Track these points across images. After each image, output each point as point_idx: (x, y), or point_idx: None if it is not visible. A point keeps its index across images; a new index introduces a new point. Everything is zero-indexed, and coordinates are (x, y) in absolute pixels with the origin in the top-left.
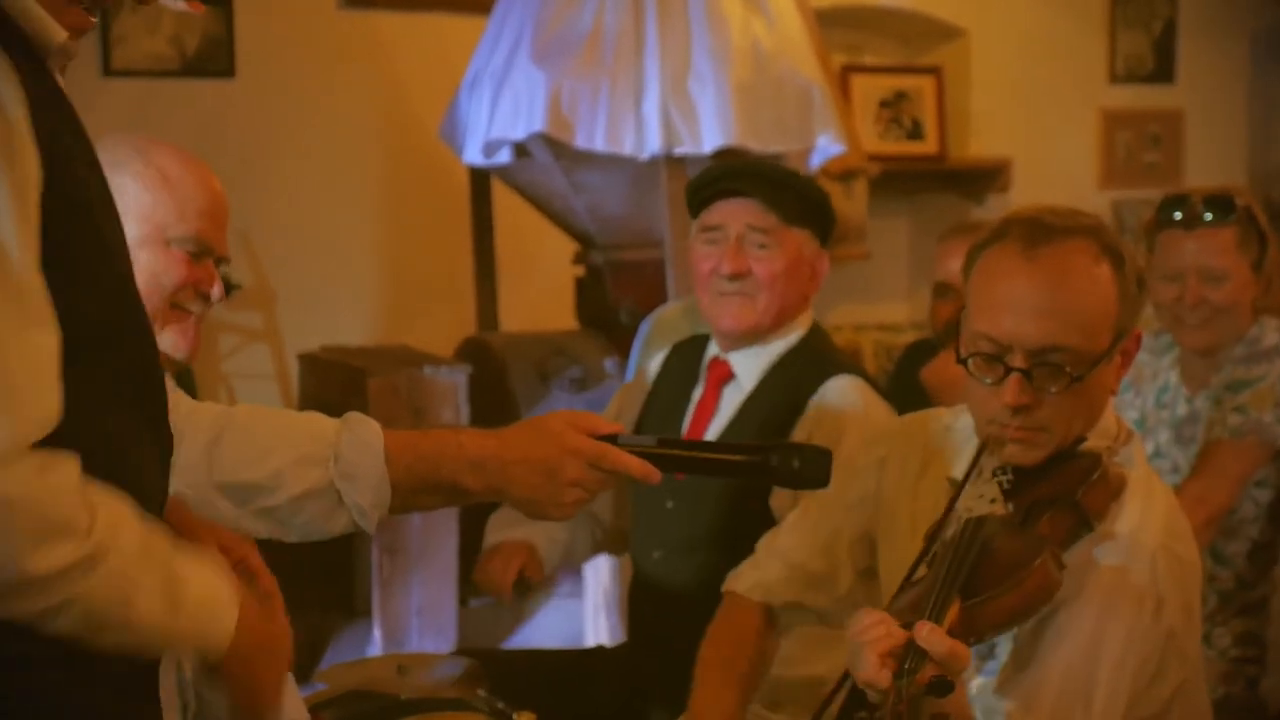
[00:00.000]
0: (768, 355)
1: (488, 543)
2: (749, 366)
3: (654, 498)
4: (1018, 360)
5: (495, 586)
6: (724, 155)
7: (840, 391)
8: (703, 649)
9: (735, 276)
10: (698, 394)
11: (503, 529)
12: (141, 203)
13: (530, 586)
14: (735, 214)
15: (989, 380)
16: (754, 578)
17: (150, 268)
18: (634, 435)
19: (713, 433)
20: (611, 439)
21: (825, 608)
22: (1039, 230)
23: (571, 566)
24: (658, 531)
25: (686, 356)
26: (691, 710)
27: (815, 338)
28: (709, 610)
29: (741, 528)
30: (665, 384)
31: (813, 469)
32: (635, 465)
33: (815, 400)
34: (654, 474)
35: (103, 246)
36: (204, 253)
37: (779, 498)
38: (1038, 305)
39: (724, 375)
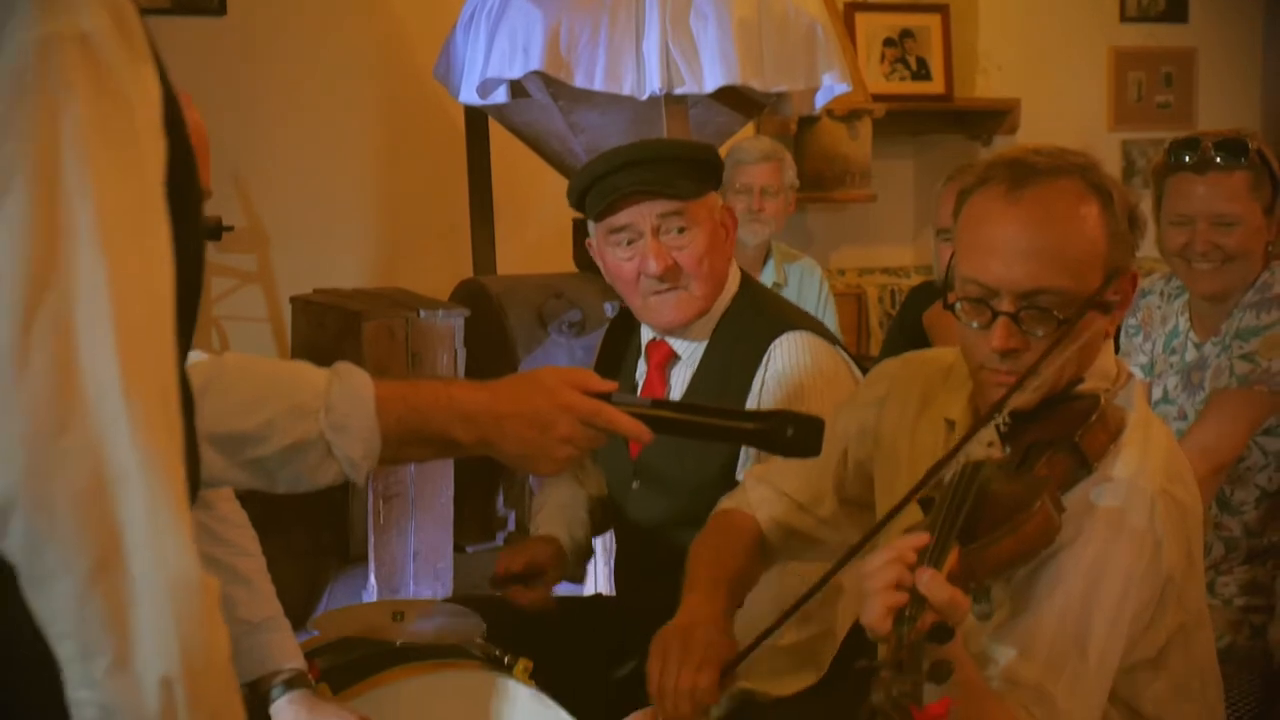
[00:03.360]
0: (705, 326)
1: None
2: (689, 343)
3: (621, 479)
4: (1005, 304)
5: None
6: (724, 95)
7: (786, 353)
8: (692, 553)
9: (664, 275)
10: (641, 373)
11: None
12: None
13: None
14: (642, 211)
15: (976, 324)
16: (741, 498)
17: None
18: (628, 394)
19: None
20: (605, 397)
21: (809, 529)
22: (1023, 171)
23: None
24: (628, 512)
25: (624, 331)
26: (683, 610)
27: (747, 293)
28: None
29: (704, 508)
30: (609, 356)
31: (805, 438)
32: (628, 424)
33: (763, 368)
34: (646, 434)
35: (198, 196)
36: None
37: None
38: (1023, 248)
39: (666, 357)
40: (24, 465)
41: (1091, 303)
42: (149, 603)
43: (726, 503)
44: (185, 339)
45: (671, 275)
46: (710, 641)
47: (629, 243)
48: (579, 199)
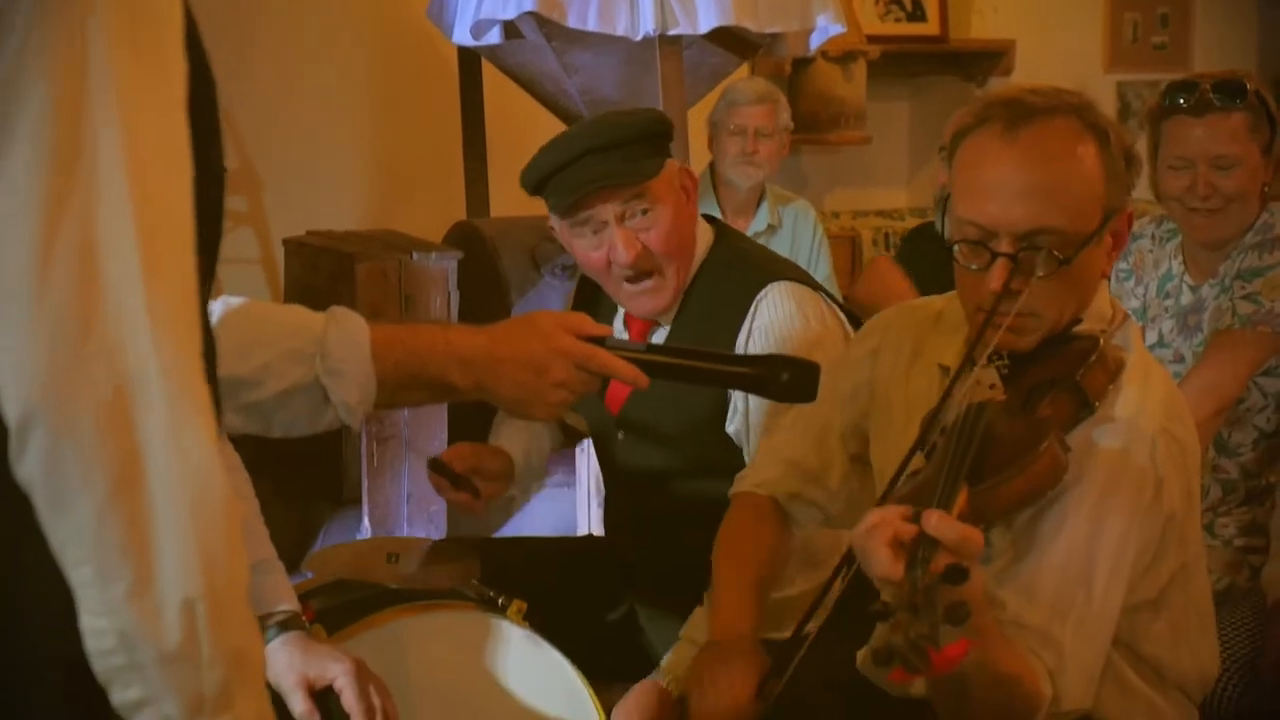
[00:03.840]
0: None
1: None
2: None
3: (606, 430)
4: (1003, 245)
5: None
6: (719, 36)
7: (772, 305)
8: (718, 549)
9: (635, 262)
10: (619, 325)
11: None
12: None
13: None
14: (606, 202)
15: (975, 266)
16: (755, 477)
17: None
18: (622, 339)
19: None
20: (600, 341)
21: (823, 501)
22: (1020, 111)
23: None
24: (616, 461)
25: (599, 291)
26: (714, 626)
27: (722, 247)
28: (674, 519)
29: (691, 458)
30: (584, 304)
31: (800, 383)
32: (623, 369)
33: (748, 321)
34: (642, 379)
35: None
36: None
37: (736, 424)
38: (1021, 188)
39: (648, 326)
40: (46, 379)
41: (1089, 242)
42: (170, 519)
43: (740, 485)
44: (208, 271)
45: (643, 260)
46: (743, 657)
47: (594, 232)
48: (535, 189)
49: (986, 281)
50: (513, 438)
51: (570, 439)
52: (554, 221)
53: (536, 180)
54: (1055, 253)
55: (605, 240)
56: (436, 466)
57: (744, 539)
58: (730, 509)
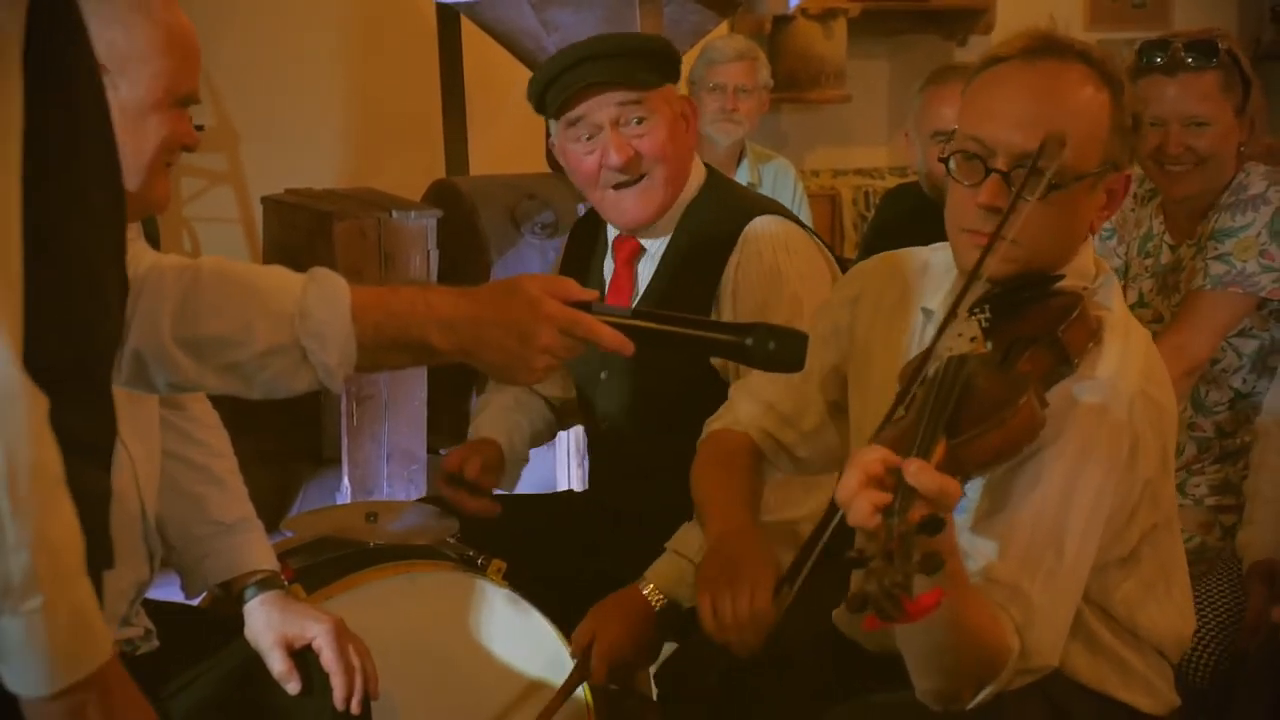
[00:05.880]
0: (670, 220)
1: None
2: (656, 239)
3: (589, 370)
4: (999, 163)
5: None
6: None
7: (761, 237)
8: (695, 484)
9: (626, 166)
10: (609, 270)
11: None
12: (153, 66)
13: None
14: (600, 103)
15: (968, 182)
16: (729, 416)
17: (158, 132)
18: (609, 304)
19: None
20: (585, 306)
21: (794, 444)
22: (1045, 43)
23: (537, 445)
24: (596, 402)
25: (590, 231)
26: (712, 542)
27: (713, 184)
28: (660, 462)
29: (675, 395)
30: (575, 257)
31: (788, 352)
32: (609, 335)
33: (736, 252)
34: (627, 345)
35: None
36: (189, 103)
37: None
38: (1028, 113)
39: (634, 252)
40: None
41: (1084, 178)
42: None
43: (715, 423)
44: (109, 207)
45: (633, 165)
46: (753, 563)
47: (589, 137)
48: (539, 100)
49: (976, 196)
50: (493, 425)
51: (562, 421)
52: (552, 131)
53: (540, 88)
54: (1049, 178)
55: (599, 145)
56: (454, 481)
57: (721, 468)
58: (704, 446)
